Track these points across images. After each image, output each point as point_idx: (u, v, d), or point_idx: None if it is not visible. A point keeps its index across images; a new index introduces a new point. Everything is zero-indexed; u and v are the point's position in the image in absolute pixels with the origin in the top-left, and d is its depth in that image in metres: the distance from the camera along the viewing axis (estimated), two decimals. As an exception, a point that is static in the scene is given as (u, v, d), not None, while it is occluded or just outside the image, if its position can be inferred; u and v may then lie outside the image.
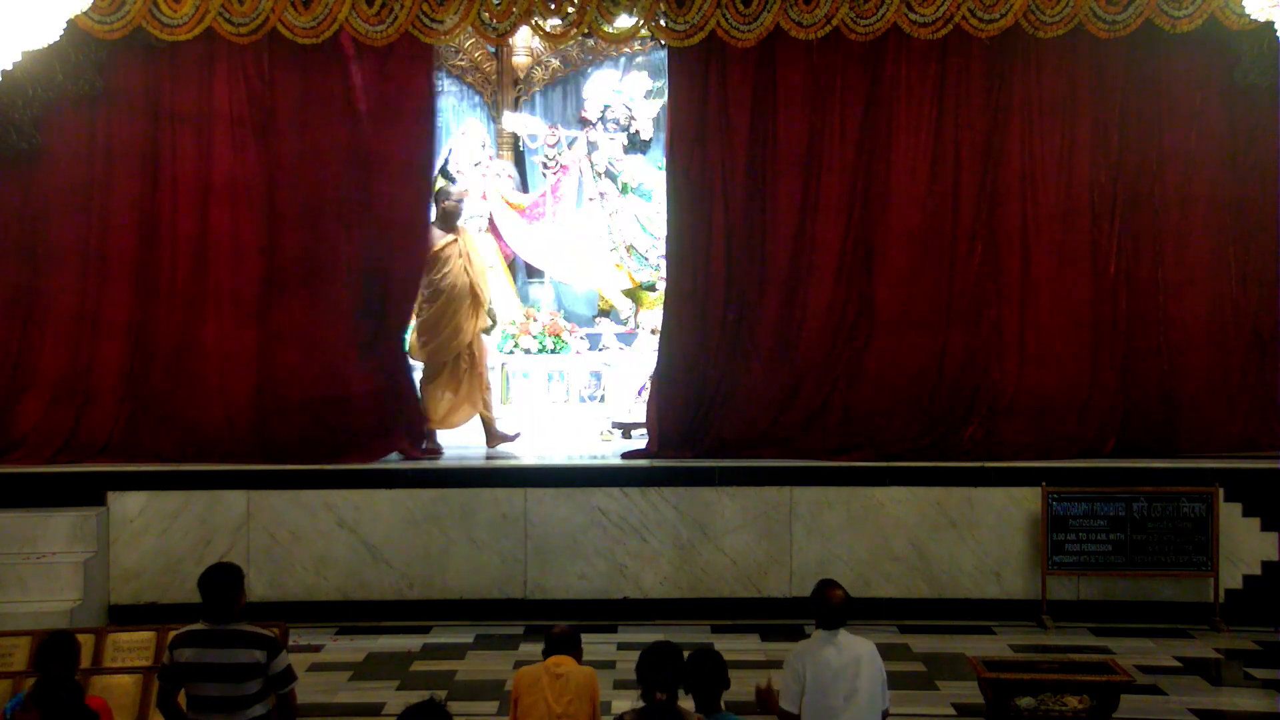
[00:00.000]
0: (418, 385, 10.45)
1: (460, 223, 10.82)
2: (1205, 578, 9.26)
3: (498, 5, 9.62)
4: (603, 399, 12.05)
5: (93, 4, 8.72)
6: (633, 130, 13.15)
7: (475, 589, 9.47)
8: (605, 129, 13.10)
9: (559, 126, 13.20)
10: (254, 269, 9.92)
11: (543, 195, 13.06)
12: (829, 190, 9.99)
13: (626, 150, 13.15)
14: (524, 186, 13.29)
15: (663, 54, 11.00)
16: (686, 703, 4.78)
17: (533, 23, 9.81)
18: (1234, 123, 9.98)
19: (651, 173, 12.87)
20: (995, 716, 6.49)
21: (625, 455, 10.14)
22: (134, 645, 6.90)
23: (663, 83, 11.86)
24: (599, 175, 13.06)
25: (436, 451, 10.36)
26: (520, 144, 13.31)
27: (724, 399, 10.09)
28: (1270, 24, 8.31)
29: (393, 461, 9.90)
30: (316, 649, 8.82)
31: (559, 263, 12.96)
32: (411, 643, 8.97)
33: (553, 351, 12.18)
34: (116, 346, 9.89)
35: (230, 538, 9.35)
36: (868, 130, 9.99)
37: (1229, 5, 9.10)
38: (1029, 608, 9.37)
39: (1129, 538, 9.25)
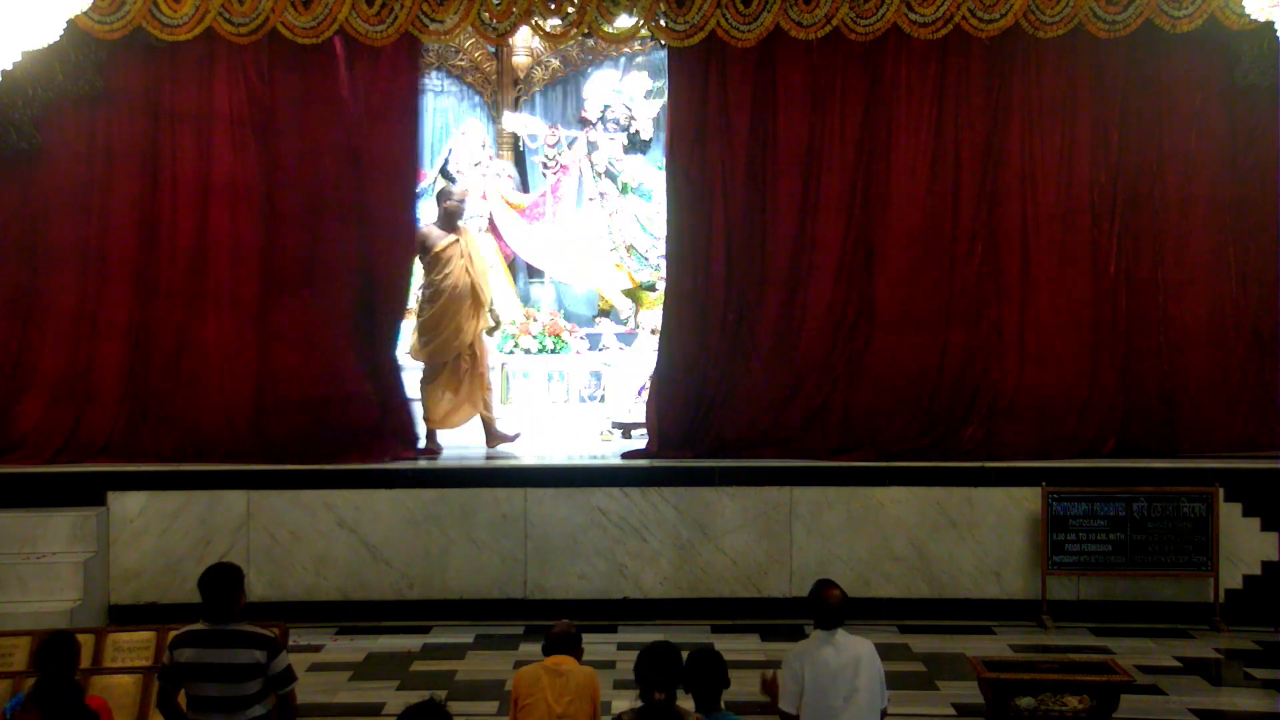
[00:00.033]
0: (406, 387, 10.40)
1: (461, 223, 10.83)
2: (1205, 578, 9.26)
3: (498, 5, 9.63)
4: (603, 399, 12.06)
5: (93, 4, 8.72)
6: (633, 130, 13.16)
7: (475, 589, 9.47)
8: (605, 129, 13.11)
9: (559, 126, 13.22)
10: (254, 269, 9.92)
11: (543, 195, 13.07)
12: (829, 190, 9.99)
13: (626, 150, 13.16)
14: (524, 186, 13.30)
15: (663, 54, 11.01)
16: (686, 702, 4.78)
17: (533, 23, 9.81)
18: (1234, 123, 9.98)
19: (651, 173, 12.88)
20: (995, 716, 6.49)
21: (625, 455, 10.14)
22: (134, 645, 6.90)
23: (663, 83, 11.87)
24: (599, 175, 13.08)
25: (436, 451, 10.36)
26: (520, 144, 13.32)
27: (724, 399, 10.09)
28: (1270, 24, 8.32)
29: (393, 461, 9.90)
30: (316, 649, 8.82)
31: (559, 263, 12.96)
32: (411, 643, 8.97)
33: (553, 351, 12.18)
34: (116, 346, 9.88)
35: (230, 538, 9.35)
36: (868, 130, 9.99)
37: (1229, 5, 9.10)
38: (1029, 608, 9.37)
39: (1129, 538, 9.25)
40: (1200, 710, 7.50)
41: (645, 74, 13.07)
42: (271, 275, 9.93)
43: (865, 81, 9.97)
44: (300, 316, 9.93)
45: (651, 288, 12.57)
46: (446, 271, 10.40)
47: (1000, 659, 7.10)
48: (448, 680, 8.11)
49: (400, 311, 10.37)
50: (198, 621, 5.10)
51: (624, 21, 9.82)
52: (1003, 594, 9.44)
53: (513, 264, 13.10)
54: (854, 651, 5.25)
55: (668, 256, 10.49)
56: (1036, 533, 9.32)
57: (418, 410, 10.48)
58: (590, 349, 12.35)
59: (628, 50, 12.90)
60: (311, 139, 9.92)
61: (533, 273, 13.23)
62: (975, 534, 9.47)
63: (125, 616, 9.15)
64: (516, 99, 13.24)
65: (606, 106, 13.15)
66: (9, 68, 7.42)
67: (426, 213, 11.04)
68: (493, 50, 12.96)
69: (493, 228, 12.87)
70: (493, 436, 10.71)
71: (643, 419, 10.59)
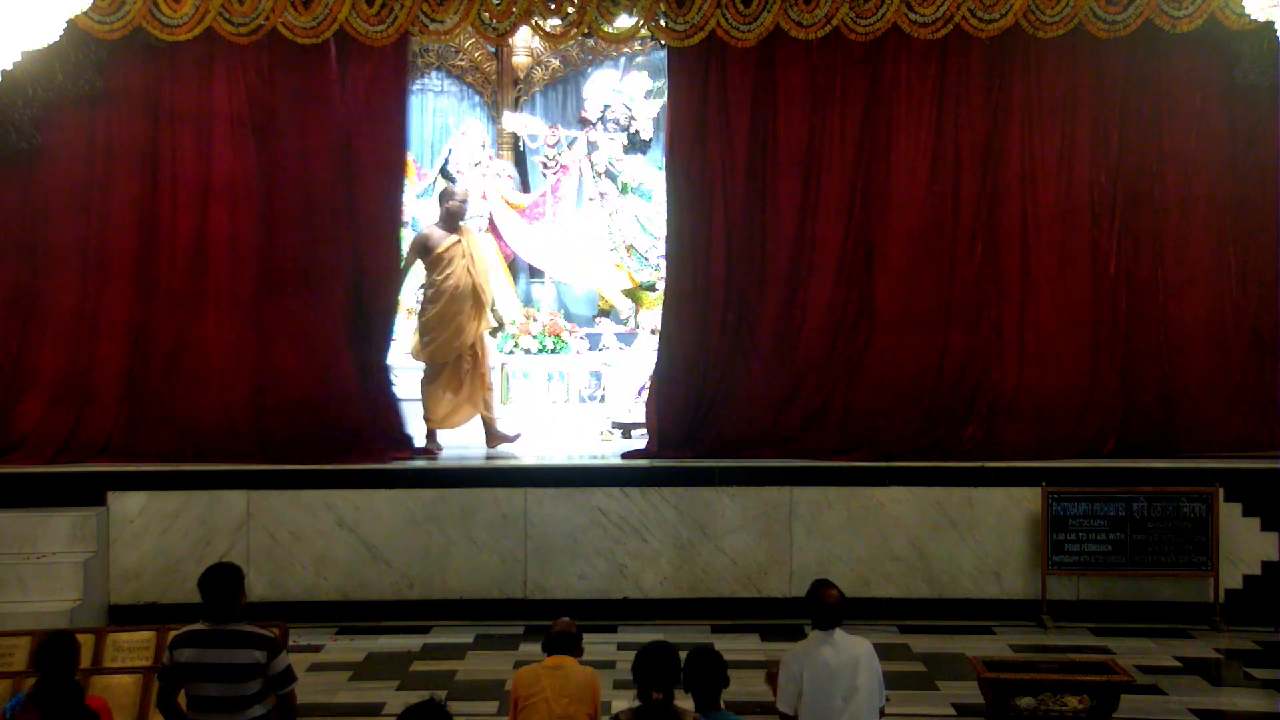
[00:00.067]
0: (396, 387, 10.38)
1: (463, 223, 10.83)
2: (1205, 578, 9.26)
3: (498, 5, 9.63)
4: (603, 399, 12.06)
5: (93, 4, 8.73)
6: (633, 130, 13.17)
7: (475, 589, 9.46)
8: (605, 129, 13.12)
9: (559, 126, 13.22)
10: (253, 268, 9.91)
11: (543, 195, 13.08)
12: (829, 190, 9.99)
13: (626, 150, 13.17)
14: (524, 186, 13.30)
15: (663, 54, 11.00)
16: (686, 702, 4.77)
17: (533, 23, 9.82)
18: (1234, 123, 9.98)
19: (651, 173, 12.88)
20: (995, 716, 6.49)
21: (625, 455, 10.14)
22: (134, 645, 6.90)
23: (663, 83, 11.87)
24: (599, 175, 13.08)
25: (436, 451, 10.36)
26: (520, 144, 13.32)
27: (724, 399, 10.09)
28: (1270, 24, 8.33)
29: (387, 462, 9.90)
30: (316, 649, 8.82)
31: (559, 263, 12.97)
32: (411, 643, 8.97)
33: (553, 351, 12.19)
34: (116, 346, 9.88)
35: (230, 538, 9.35)
36: (868, 130, 9.99)
37: (1229, 5, 9.11)
38: (1029, 608, 9.37)
39: (1129, 538, 9.24)
40: (1200, 710, 7.50)
41: (645, 74, 13.08)
42: (271, 275, 9.92)
43: (865, 81, 9.97)
44: (300, 316, 9.93)
45: (651, 288, 12.57)
46: (448, 272, 10.40)
47: (1000, 659, 7.11)
48: (448, 680, 8.11)
49: (391, 312, 10.33)
50: (198, 621, 5.10)
51: (624, 21, 9.82)
52: (1003, 594, 9.44)
53: (513, 264, 13.11)
54: (853, 651, 5.25)
55: (668, 256, 10.49)
56: (1036, 533, 9.32)
57: (415, 410, 10.47)
58: (590, 349, 12.35)
59: (628, 50, 12.90)
60: (311, 139, 9.92)
61: (533, 273, 13.23)
62: (975, 534, 9.47)
63: (125, 616, 9.15)
64: (516, 99, 13.25)
65: (606, 106, 13.16)
66: (9, 68, 7.43)
67: (428, 213, 11.04)
68: (493, 50, 12.96)
69: (493, 228, 12.87)
70: (493, 436, 10.71)
71: (643, 419, 10.59)
